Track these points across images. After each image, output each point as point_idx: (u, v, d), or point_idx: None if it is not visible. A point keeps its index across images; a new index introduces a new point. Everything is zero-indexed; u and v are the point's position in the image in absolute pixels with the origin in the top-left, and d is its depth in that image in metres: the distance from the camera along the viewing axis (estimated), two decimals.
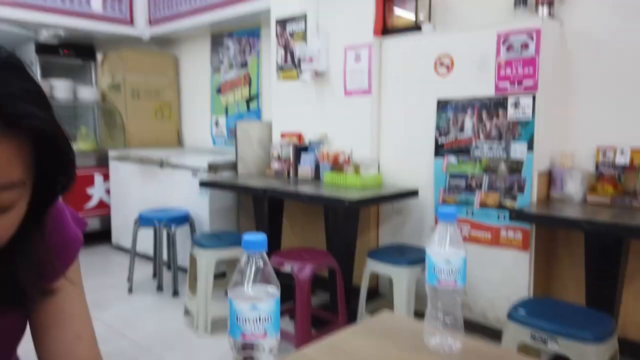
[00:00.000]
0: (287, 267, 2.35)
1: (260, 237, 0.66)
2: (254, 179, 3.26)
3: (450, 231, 0.88)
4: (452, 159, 2.59)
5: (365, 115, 2.94)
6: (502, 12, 2.60)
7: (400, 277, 2.37)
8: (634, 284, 2.30)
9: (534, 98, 2.30)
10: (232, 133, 3.90)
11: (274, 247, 2.99)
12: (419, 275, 2.35)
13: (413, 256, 2.43)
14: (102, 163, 4.49)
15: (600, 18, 2.35)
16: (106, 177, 4.50)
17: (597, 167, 2.35)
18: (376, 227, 3.05)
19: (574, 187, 2.30)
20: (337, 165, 2.98)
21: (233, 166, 3.57)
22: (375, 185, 2.87)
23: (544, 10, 2.40)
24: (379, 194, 2.69)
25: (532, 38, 2.30)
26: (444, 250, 0.87)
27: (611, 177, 2.27)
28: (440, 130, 2.63)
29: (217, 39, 4.49)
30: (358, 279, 2.62)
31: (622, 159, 2.25)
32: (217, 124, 4.60)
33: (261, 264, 0.66)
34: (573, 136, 2.44)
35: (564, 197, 2.34)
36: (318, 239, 3.12)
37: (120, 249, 4.39)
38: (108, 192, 4.51)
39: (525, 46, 2.33)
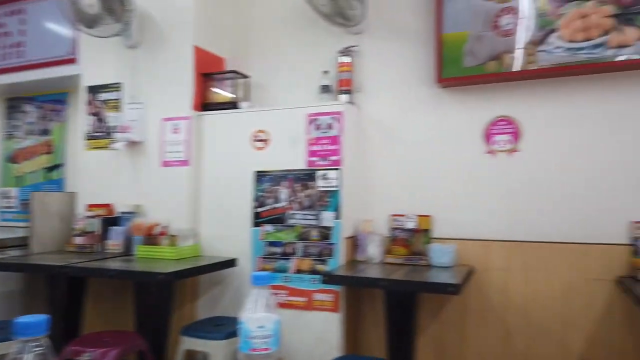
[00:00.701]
0: (85, 357, 2.08)
1: (38, 319, 0.55)
2: (51, 256, 2.89)
3: (264, 296, 0.90)
4: (269, 227, 2.70)
5: (183, 185, 2.91)
6: (311, 96, 2.93)
7: (217, 352, 2.30)
8: (425, 335, 2.61)
9: (339, 171, 2.58)
10: (26, 206, 3.44)
11: (72, 334, 2.64)
12: (237, 347, 2.31)
13: (231, 328, 2.39)
14: None
15: (386, 108, 2.81)
16: None
17: (391, 231, 2.69)
18: (194, 301, 2.93)
19: (374, 250, 2.58)
20: (151, 238, 2.84)
21: (24, 243, 3.12)
22: (193, 256, 2.80)
23: (344, 97, 2.78)
24: (195, 265, 2.62)
25: (336, 119, 2.63)
26: (257, 315, 0.88)
27: (403, 240, 2.62)
28: (258, 200, 2.74)
29: (14, 103, 4.05)
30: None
31: (410, 224, 2.64)
32: (6, 196, 4.02)
33: (41, 353, 0.51)
34: (372, 205, 2.78)
35: (367, 259, 2.60)
36: (130, 320, 2.85)
37: None
38: None
39: (330, 126, 2.64)
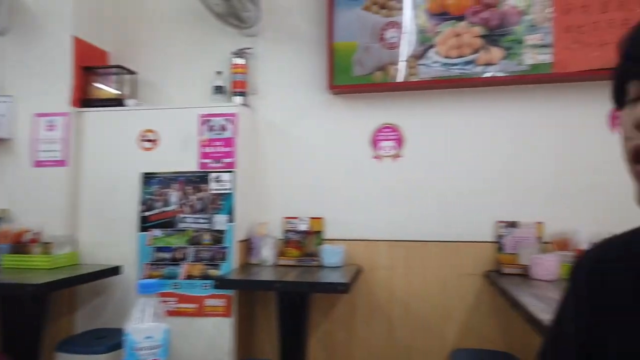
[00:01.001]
0: None
1: None
2: None
3: (151, 304, 0.87)
4: (158, 232, 2.59)
5: (59, 188, 2.67)
6: (203, 97, 2.87)
7: None
8: (316, 333, 2.68)
9: (233, 174, 2.56)
10: None
11: None
12: None
13: (114, 340, 2.25)
14: None
15: (281, 111, 2.85)
16: None
17: (284, 234, 2.73)
18: (71, 313, 2.70)
19: (267, 253, 2.60)
20: (20, 246, 2.56)
21: None
22: (70, 265, 2.58)
23: (239, 99, 2.76)
24: (73, 275, 2.42)
25: (230, 121, 2.60)
26: (145, 325, 0.85)
27: (296, 242, 2.67)
28: (146, 204, 2.61)
29: None
30: None
31: (303, 226, 2.70)
32: None
33: None
34: (266, 207, 2.80)
35: (260, 262, 2.61)
36: None
37: None
38: None
39: (224, 128, 2.61)
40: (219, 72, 2.86)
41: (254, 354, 2.73)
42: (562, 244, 2.43)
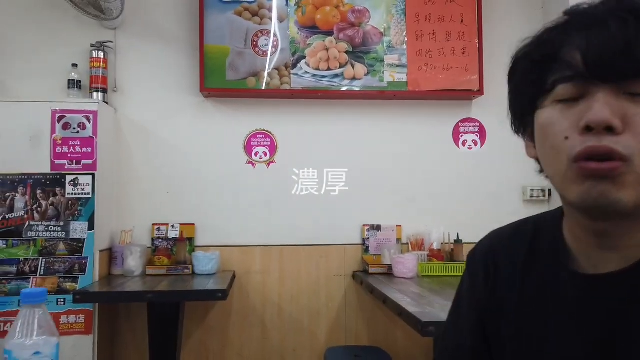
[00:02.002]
0: None
1: None
2: None
3: (39, 316, 0.80)
4: (1, 243, 2.22)
5: None
6: (56, 91, 2.56)
7: None
8: (188, 343, 2.57)
9: (93, 177, 2.33)
10: None
11: None
12: None
13: None
14: None
15: (147, 112, 2.68)
16: None
17: (153, 241, 2.57)
18: None
19: (134, 262, 2.41)
20: None
21: None
22: None
23: (98, 95, 2.53)
24: None
25: (89, 119, 2.37)
26: (31, 339, 0.77)
27: (166, 250, 2.53)
28: None
29: None
30: None
31: (174, 233, 2.57)
32: None
33: None
34: (131, 214, 2.60)
35: (126, 273, 2.41)
36: None
37: None
38: None
39: (82, 126, 2.36)
40: (74, 65, 2.59)
41: None
42: (417, 244, 2.71)
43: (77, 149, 2.34)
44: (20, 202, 2.26)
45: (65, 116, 2.35)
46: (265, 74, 2.68)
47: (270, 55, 2.71)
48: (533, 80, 0.60)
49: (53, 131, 2.33)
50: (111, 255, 2.48)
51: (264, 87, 2.68)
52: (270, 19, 2.72)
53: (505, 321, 0.70)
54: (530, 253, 0.71)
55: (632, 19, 0.53)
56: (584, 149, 0.54)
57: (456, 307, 0.81)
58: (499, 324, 0.71)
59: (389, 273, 2.53)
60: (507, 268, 0.73)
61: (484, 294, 0.75)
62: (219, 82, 2.66)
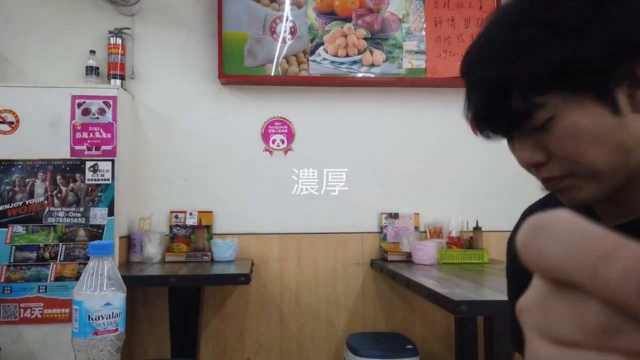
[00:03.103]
0: None
1: None
2: None
3: (108, 267, 0.79)
4: (19, 228, 2.23)
5: None
6: (74, 77, 2.56)
7: None
8: (206, 331, 2.56)
9: (113, 163, 2.32)
10: None
11: None
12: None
13: None
14: None
15: (165, 98, 2.67)
16: None
17: (171, 229, 2.56)
18: None
19: (153, 249, 2.41)
20: None
21: None
22: None
23: (116, 82, 2.52)
24: None
25: (108, 105, 2.36)
26: (102, 291, 0.76)
27: (184, 237, 2.52)
28: (4, 197, 2.23)
29: None
30: None
31: (192, 220, 2.56)
32: None
33: None
34: (150, 201, 2.59)
35: (144, 260, 2.41)
36: None
37: None
38: None
39: (102, 112, 2.35)
40: (92, 52, 2.58)
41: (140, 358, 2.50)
42: (435, 232, 2.68)
43: (97, 134, 2.33)
44: (40, 187, 2.26)
45: (84, 102, 2.34)
46: (283, 61, 2.66)
47: (289, 42, 2.68)
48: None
49: (72, 117, 2.33)
50: (129, 242, 2.47)
51: (281, 74, 2.66)
52: (288, 5, 2.69)
53: None
54: None
55: (483, 89, 0.61)
56: (539, 180, 0.63)
57: (507, 288, 0.85)
58: None
59: (408, 260, 2.51)
60: None
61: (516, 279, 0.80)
62: (237, 69, 2.64)
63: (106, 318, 0.75)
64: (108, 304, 0.75)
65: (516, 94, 0.56)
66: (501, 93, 0.57)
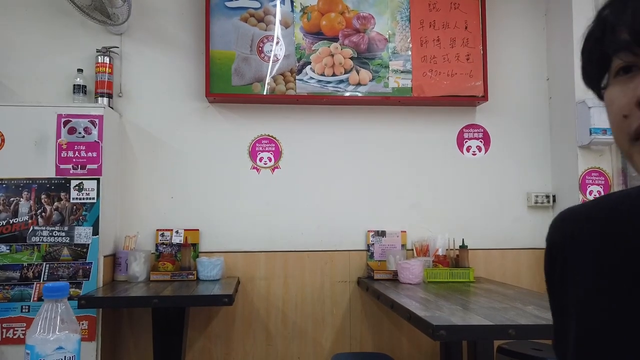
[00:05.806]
0: None
1: None
2: None
3: (61, 310, 0.79)
4: (3, 247, 2.21)
5: None
6: (62, 96, 2.56)
7: None
8: (191, 351, 2.54)
9: (98, 181, 2.32)
10: None
11: None
12: None
13: None
14: None
15: (152, 117, 2.68)
16: None
17: (157, 247, 2.55)
18: None
19: (138, 268, 2.40)
20: None
21: None
22: None
23: (104, 100, 2.53)
24: None
25: (94, 124, 2.36)
26: (54, 334, 0.75)
27: (170, 255, 2.51)
28: None
29: None
30: None
31: (178, 238, 2.55)
32: None
33: None
34: (136, 220, 2.58)
35: (129, 278, 2.39)
36: None
37: None
38: None
39: (88, 130, 2.35)
40: (80, 70, 2.59)
41: None
42: (422, 250, 2.69)
43: (83, 153, 2.33)
44: (24, 206, 2.25)
45: (70, 120, 2.35)
46: (271, 80, 2.68)
47: (276, 61, 2.71)
48: (596, 58, 0.60)
49: (58, 135, 2.33)
50: (115, 260, 2.46)
51: (269, 93, 2.68)
52: (276, 24, 2.72)
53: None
54: None
55: None
56: (638, 125, 0.53)
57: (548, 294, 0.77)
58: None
59: (394, 279, 2.52)
60: (585, 238, 0.68)
61: (561, 270, 0.71)
62: (224, 88, 2.65)
63: None
64: (60, 347, 0.75)
65: None
66: None
